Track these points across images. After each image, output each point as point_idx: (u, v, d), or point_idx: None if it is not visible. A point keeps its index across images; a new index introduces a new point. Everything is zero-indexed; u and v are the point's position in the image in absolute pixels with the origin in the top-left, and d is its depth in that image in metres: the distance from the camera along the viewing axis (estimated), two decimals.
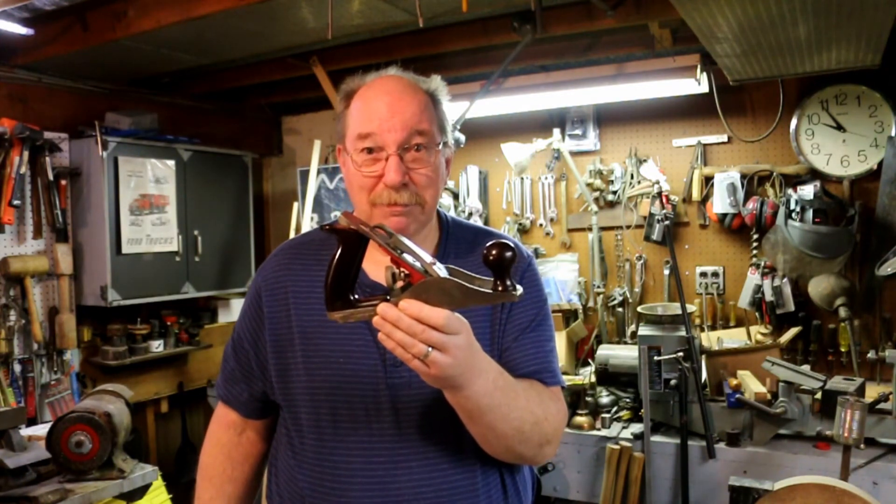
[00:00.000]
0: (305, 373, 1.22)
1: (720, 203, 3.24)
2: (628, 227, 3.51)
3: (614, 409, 2.94)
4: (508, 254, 0.95)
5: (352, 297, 1.02)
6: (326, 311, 1.02)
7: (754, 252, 3.24)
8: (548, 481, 2.80)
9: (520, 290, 0.98)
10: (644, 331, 2.81)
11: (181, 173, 3.57)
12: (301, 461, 1.24)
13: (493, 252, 0.95)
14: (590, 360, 3.27)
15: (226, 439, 1.38)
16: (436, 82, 1.26)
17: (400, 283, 0.98)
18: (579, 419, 2.85)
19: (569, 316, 3.55)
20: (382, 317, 0.96)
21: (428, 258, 0.98)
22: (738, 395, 2.60)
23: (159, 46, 3.03)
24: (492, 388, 1.06)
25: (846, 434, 2.11)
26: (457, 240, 1.31)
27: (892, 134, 2.96)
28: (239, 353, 1.34)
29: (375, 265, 1.18)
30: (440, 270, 0.98)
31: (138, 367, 3.57)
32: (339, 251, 1.01)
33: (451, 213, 1.68)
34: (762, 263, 3.18)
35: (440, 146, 1.22)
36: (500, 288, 0.97)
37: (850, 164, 3.08)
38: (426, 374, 0.98)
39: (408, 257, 0.98)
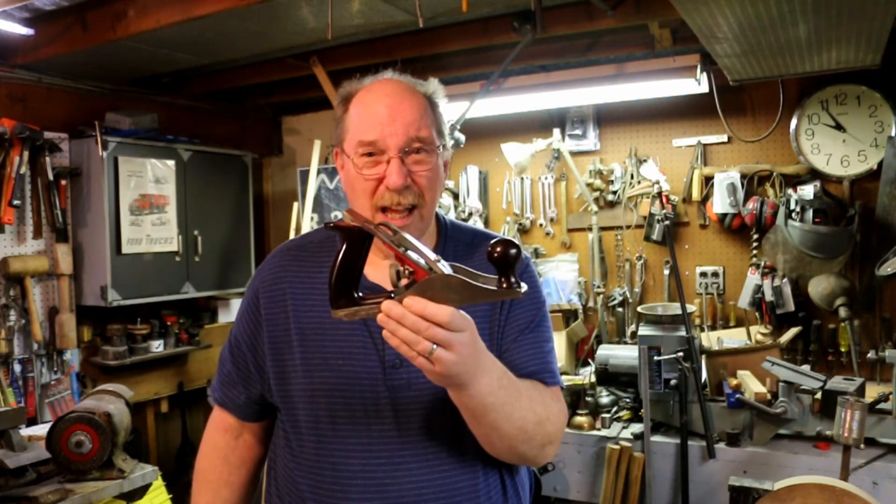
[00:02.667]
0: (304, 374, 1.22)
1: (720, 203, 3.24)
2: (628, 227, 3.51)
3: (614, 409, 2.94)
4: (513, 251, 0.95)
5: (356, 295, 1.01)
6: (331, 309, 1.01)
7: (754, 252, 3.24)
8: (548, 481, 2.80)
9: (524, 287, 0.98)
10: (644, 331, 2.81)
11: (181, 173, 3.57)
12: (300, 463, 1.24)
13: (498, 249, 0.95)
14: (590, 360, 3.27)
15: (222, 443, 1.37)
16: (433, 85, 1.26)
17: (404, 281, 0.98)
18: (579, 419, 2.85)
19: (569, 316, 3.55)
20: (387, 314, 0.96)
21: (432, 255, 0.98)
22: (738, 395, 2.60)
23: (159, 46, 3.03)
24: (496, 387, 1.06)
25: (846, 434, 2.10)
26: (455, 242, 1.31)
27: (892, 134, 2.96)
28: (236, 356, 1.33)
29: (375, 268, 1.19)
30: (445, 268, 0.97)
31: (138, 367, 3.57)
32: (344, 248, 1.00)
33: (451, 215, 1.68)
34: (762, 263, 3.18)
35: (439, 149, 1.22)
36: (504, 285, 0.97)
37: (850, 164, 3.07)
38: (431, 371, 0.98)
39: (412, 254, 0.98)
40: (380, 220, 1.16)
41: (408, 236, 1.00)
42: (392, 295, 0.98)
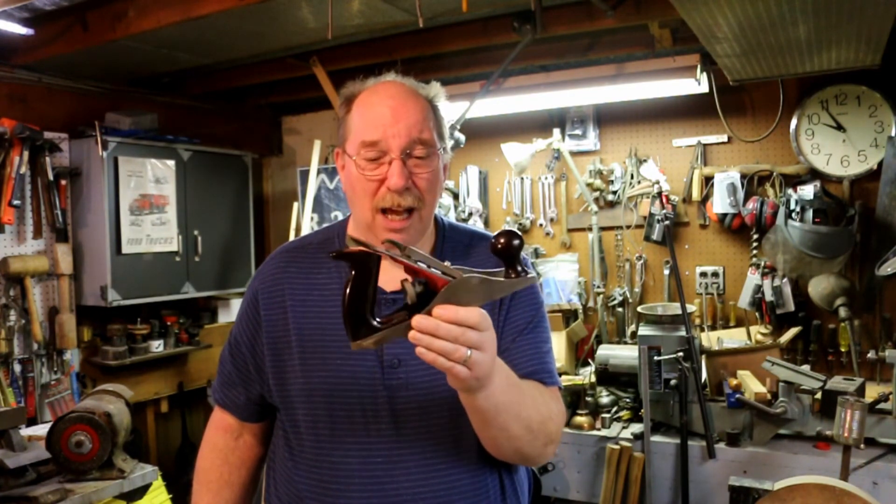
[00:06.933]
0: (303, 375, 1.22)
1: (720, 203, 3.24)
2: (628, 227, 3.51)
3: (614, 409, 2.94)
4: (516, 241, 0.95)
5: (374, 321, 0.97)
6: (351, 342, 0.96)
7: (754, 252, 3.24)
8: (548, 481, 2.80)
9: (532, 273, 0.98)
10: (644, 331, 2.81)
11: (181, 173, 3.57)
12: (299, 463, 1.24)
13: (502, 241, 0.95)
14: (590, 360, 3.27)
15: (222, 444, 1.38)
16: (435, 88, 1.27)
17: (419, 289, 0.96)
18: (579, 419, 2.85)
19: (569, 316, 3.55)
20: (419, 329, 0.93)
21: (442, 262, 0.97)
22: (738, 395, 2.60)
23: (159, 46, 3.03)
24: (507, 386, 1.06)
25: (846, 434, 2.11)
26: (453, 243, 1.31)
27: (892, 134, 2.96)
28: (236, 357, 1.34)
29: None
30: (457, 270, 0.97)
31: (138, 367, 3.57)
32: (353, 276, 0.96)
33: (451, 215, 1.67)
34: (762, 263, 3.18)
35: (440, 151, 1.23)
36: (513, 275, 0.97)
37: (850, 164, 3.08)
38: (467, 377, 0.95)
39: (422, 265, 0.97)
40: (378, 226, 1.18)
41: (414, 248, 0.99)
42: (406, 308, 0.97)
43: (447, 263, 0.97)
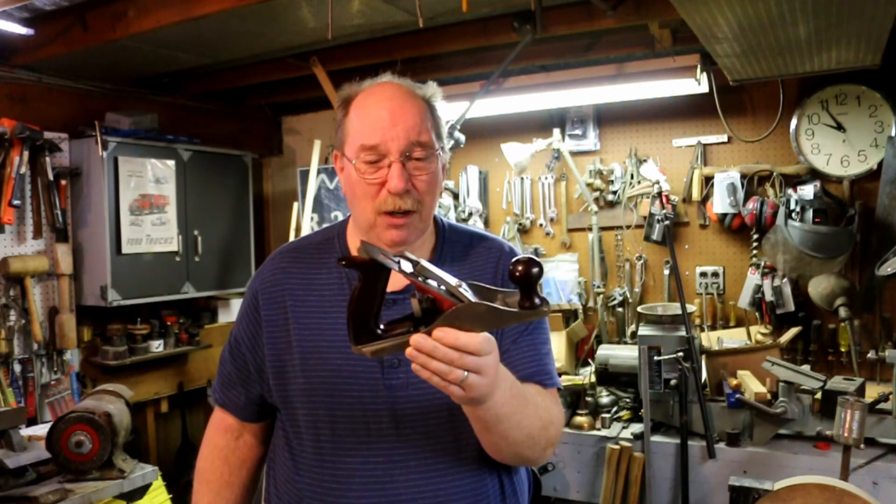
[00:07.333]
0: (303, 374, 1.23)
1: (720, 203, 3.24)
2: (628, 227, 3.51)
3: (614, 409, 2.94)
4: (535, 270, 0.94)
5: (378, 330, 0.98)
6: (352, 346, 0.98)
7: (754, 252, 3.24)
8: (548, 481, 2.80)
9: (548, 305, 0.97)
10: (644, 331, 2.81)
11: (181, 173, 3.57)
12: (299, 462, 1.25)
13: (520, 268, 0.94)
14: (590, 360, 3.27)
15: (223, 444, 1.38)
16: (431, 89, 1.26)
17: (425, 305, 0.96)
18: (579, 419, 2.85)
19: (569, 316, 3.55)
20: (417, 348, 0.94)
21: (453, 281, 0.96)
22: (738, 395, 2.61)
23: (159, 46, 3.03)
24: (509, 397, 1.07)
25: (846, 434, 2.11)
26: (452, 244, 1.31)
27: (892, 134, 2.96)
28: (236, 357, 1.34)
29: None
30: (466, 292, 0.96)
31: (138, 367, 3.57)
32: (361, 284, 0.97)
33: (451, 215, 1.67)
34: (762, 263, 3.18)
35: (438, 152, 1.23)
36: (527, 304, 0.96)
37: (850, 164, 3.08)
38: (462, 397, 0.97)
39: (432, 283, 0.96)
40: (379, 229, 1.17)
41: (426, 264, 0.97)
42: (412, 319, 0.96)
43: (461, 285, 0.96)
